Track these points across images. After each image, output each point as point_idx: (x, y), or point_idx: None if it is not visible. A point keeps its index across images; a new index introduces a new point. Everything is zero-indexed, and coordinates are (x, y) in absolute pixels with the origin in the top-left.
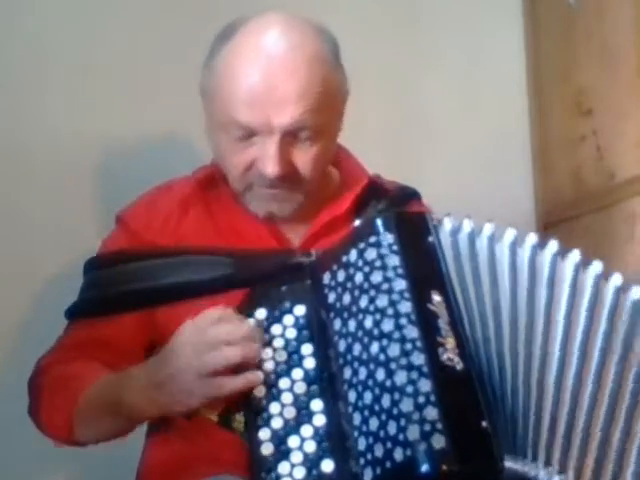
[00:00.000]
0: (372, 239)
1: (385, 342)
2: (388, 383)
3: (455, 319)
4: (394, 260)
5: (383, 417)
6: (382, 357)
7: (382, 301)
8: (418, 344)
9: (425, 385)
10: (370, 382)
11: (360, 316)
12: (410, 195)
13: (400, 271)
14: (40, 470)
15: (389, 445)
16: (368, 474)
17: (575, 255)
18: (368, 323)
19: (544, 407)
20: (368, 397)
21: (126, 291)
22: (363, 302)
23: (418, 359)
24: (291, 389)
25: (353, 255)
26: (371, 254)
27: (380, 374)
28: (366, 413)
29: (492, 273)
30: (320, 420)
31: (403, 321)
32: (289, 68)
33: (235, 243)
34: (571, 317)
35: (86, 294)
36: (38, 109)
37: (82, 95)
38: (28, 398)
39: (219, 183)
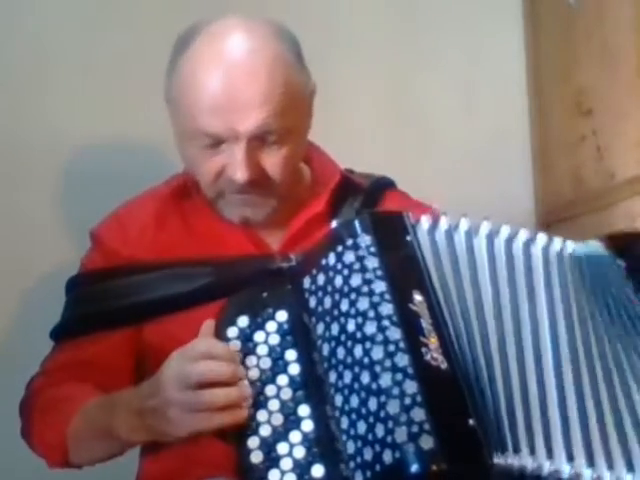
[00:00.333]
0: (349, 242)
1: (368, 345)
2: (374, 386)
3: (437, 318)
4: (373, 262)
5: (370, 420)
6: (366, 360)
7: (363, 304)
8: (401, 345)
9: (410, 386)
10: (356, 385)
11: (342, 320)
12: (384, 186)
13: (379, 273)
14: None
15: (377, 448)
16: (358, 478)
17: (542, 238)
18: (350, 326)
19: (531, 399)
20: (354, 401)
21: (110, 309)
22: (344, 306)
23: (402, 360)
24: (277, 396)
25: (332, 258)
26: (349, 257)
27: (365, 377)
28: (353, 417)
29: (472, 267)
30: (308, 425)
31: (385, 323)
32: (250, 73)
33: (214, 251)
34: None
35: (69, 313)
36: (38, 109)
37: (82, 95)
38: (20, 420)
39: (193, 191)
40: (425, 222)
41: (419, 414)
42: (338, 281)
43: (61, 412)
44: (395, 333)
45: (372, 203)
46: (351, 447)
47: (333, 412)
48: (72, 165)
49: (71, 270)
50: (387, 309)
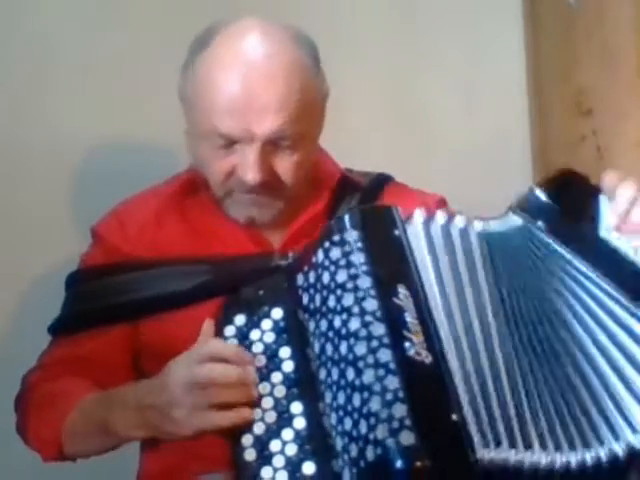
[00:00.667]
0: (336, 237)
1: (352, 341)
2: (357, 382)
3: (423, 312)
4: (359, 257)
5: (355, 416)
6: (351, 356)
7: (348, 300)
8: (385, 341)
9: (392, 382)
10: (342, 382)
11: (330, 316)
12: (382, 182)
13: (365, 268)
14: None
15: (361, 444)
16: (346, 475)
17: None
18: (337, 323)
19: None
20: (341, 397)
21: (108, 305)
22: (331, 302)
23: (385, 356)
24: (271, 393)
25: (320, 255)
26: (336, 253)
27: (350, 374)
28: (341, 413)
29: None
30: (300, 423)
31: (369, 318)
32: (268, 76)
33: (213, 249)
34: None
35: (68, 309)
36: (38, 109)
37: (82, 95)
38: (15, 415)
39: (200, 188)
40: (419, 216)
41: (400, 410)
42: (326, 277)
43: (57, 408)
44: (379, 328)
45: (371, 200)
46: (339, 444)
47: (324, 408)
48: (72, 165)
49: (71, 270)
50: (371, 305)
